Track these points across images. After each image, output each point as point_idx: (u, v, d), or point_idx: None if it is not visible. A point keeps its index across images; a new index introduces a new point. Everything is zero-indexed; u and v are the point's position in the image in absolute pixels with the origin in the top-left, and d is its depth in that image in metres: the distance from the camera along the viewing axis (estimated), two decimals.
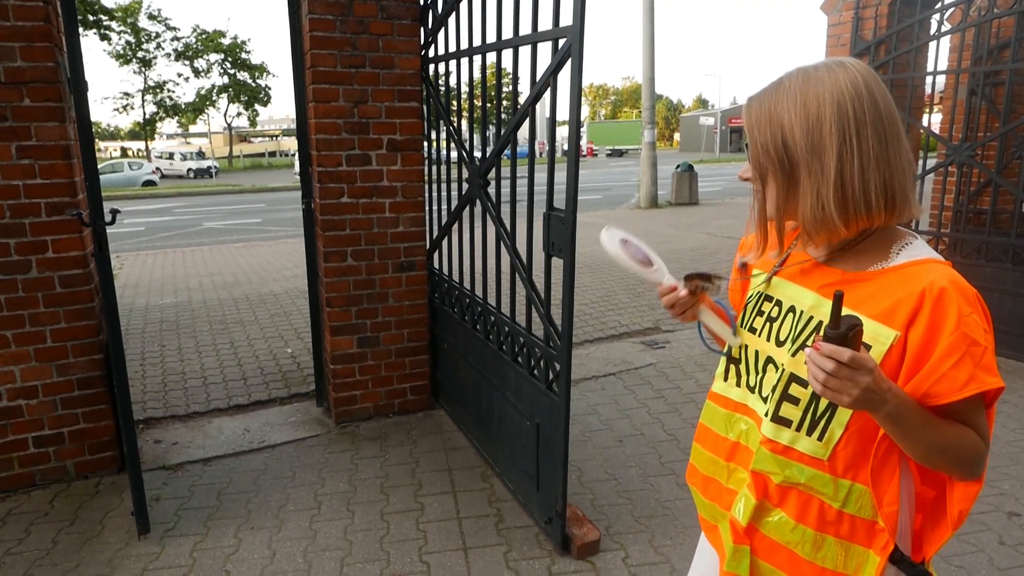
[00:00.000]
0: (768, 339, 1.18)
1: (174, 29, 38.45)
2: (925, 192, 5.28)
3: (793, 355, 1.12)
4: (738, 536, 1.20)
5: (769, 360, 1.17)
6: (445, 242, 3.74)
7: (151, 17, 36.76)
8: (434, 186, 3.81)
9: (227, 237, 12.34)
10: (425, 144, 3.76)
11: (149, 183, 28.16)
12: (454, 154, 3.50)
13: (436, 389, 4.02)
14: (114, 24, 34.65)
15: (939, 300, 0.99)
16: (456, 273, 3.56)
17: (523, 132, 2.79)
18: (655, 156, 15.48)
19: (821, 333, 0.95)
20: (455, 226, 3.57)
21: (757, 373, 1.20)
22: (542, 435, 2.72)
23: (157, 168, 31.61)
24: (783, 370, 1.13)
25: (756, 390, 1.20)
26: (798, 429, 1.11)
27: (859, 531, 1.11)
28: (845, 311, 1.01)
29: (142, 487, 2.73)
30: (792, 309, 1.15)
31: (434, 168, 3.80)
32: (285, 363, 4.89)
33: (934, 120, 5.87)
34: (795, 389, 1.11)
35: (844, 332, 0.91)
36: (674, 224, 12.35)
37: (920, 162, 5.24)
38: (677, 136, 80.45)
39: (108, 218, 2.47)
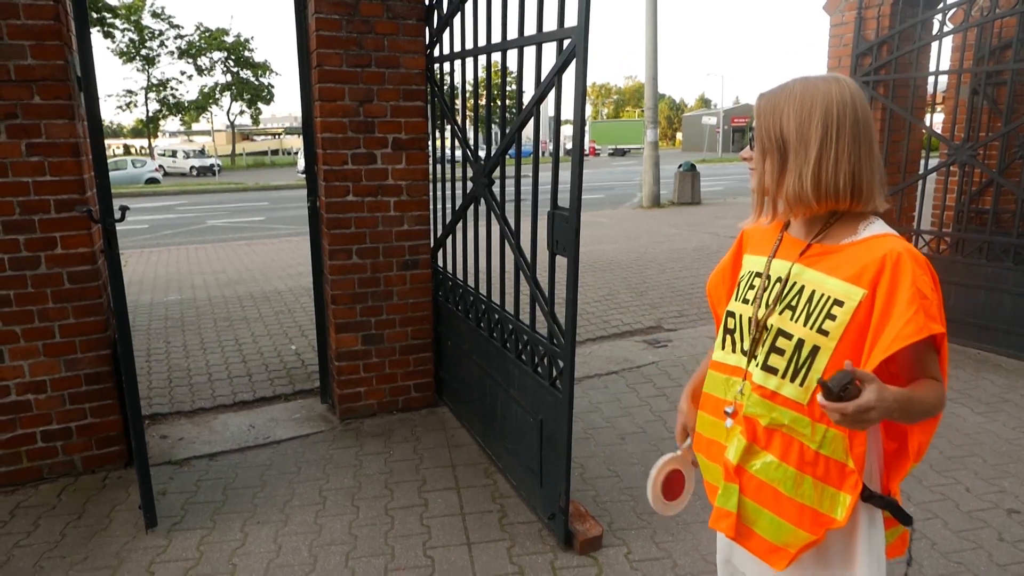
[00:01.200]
0: (761, 306, 1.38)
1: (177, 27, 38.34)
2: (927, 191, 5.30)
3: (780, 314, 1.34)
4: (729, 475, 1.40)
5: (763, 323, 1.37)
6: (449, 240, 3.76)
7: (154, 15, 36.80)
8: (438, 185, 3.84)
9: (231, 235, 12.38)
10: (430, 143, 3.78)
11: (152, 181, 28.25)
12: (458, 153, 3.52)
13: (440, 386, 4.05)
14: (118, 22, 34.73)
15: (897, 263, 1.22)
16: (460, 271, 3.58)
17: (527, 131, 2.81)
18: (657, 155, 15.48)
19: (822, 388, 1.13)
20: (459, 224, 3.60)
21: (752, 337, 1.39)
22: (545, 432, 2.74)
23: (160, 166, 31.66)
24: (772, 327, 1.34)
25: (750, 352, 1.39)
26: (783, 376, 1.32)
27: (832, 473, 1.30)
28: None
29: (149, 481, 2.76)
30: (780, 279, 1.37)
31: (438, 167, 3.82)
32: (289, 360, 4.92)
33: (936, 120, 5.88)
34: (781, 342, 1.33)
35: (838, 394, 1.10)
36: (676, 224, 12.37)
37: (922, 162, 5.26)
38: (679, 135, 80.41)
39: (118, 215, 2.50)
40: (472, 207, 3.39)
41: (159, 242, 11.63)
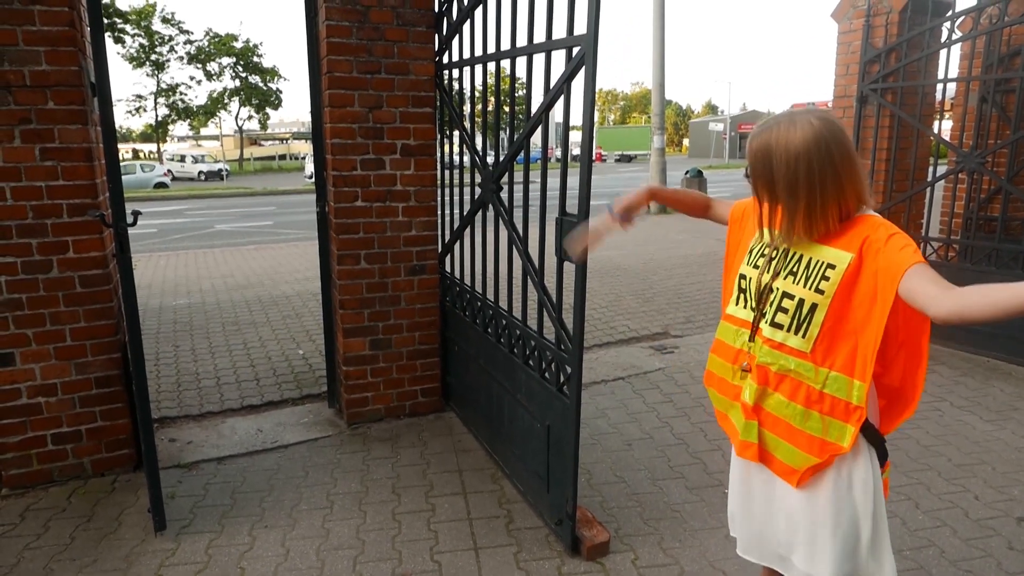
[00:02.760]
0: (767, 272, 1.64)
1: (187, 32, 38.60)
2: (935, 199, 5.28)
3: (784, 279, 1.59)
4: (748, 413, 1.67)
5: (768, 286, 1.63)
6: (457, 246, 3.77)
7: (164, 20, 37.03)
8: (447, 190, 3.85)
9: (239, 239, 12.44)
10: (438, 149, 3.79)
11: (161, 185, 28.39)
12: (467, 159, 3.53)
13: (447, 391, 4.05)
14: (128, 27, 34.96)
15: (878, 230, 1.48)
16: (468, 277, 3.59)
17: (536, 138, 2.83)
18: (664, 162, 15.48)
19: None
20: (467, 230, 3.61)
21: (759, 296, 1.65)
22: (552, 437, 2.75)
23: (169, 170, 31.81)
24: (778, 291, 1.60)
25: (758, 309, 1.65)
26: (788, 330, 1.58)
27: (837, 409, 1.55)
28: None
29: (159, 484, 2.78)
30: (786, 251, 1.62)
31: (447, 173, 3.84)
32: (297, 364, 4.93)
33: (944, 127, 5.87)
34: (785, 302, 1.58)
35: None
36: (683, 230, 12.35)
37: (930, 169, 5.25)
38: (686, 142, 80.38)
39: (130, 219, 2.52)
40: (480, 213, 3.41)
41: (168, 246, 11.69)
